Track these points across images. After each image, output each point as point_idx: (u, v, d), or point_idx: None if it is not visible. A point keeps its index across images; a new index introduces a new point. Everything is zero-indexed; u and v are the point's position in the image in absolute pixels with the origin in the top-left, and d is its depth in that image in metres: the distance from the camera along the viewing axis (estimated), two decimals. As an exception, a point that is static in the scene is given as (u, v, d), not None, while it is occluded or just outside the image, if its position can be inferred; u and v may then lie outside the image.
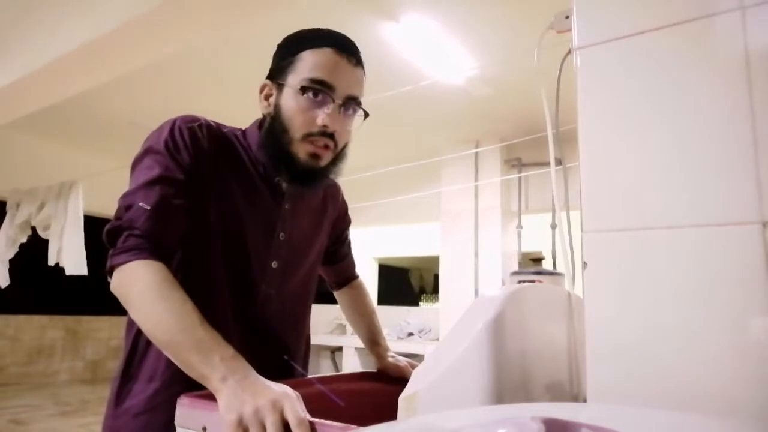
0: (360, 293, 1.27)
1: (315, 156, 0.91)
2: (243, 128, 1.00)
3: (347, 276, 1.26)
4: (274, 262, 0.97)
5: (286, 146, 0.91)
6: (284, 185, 0.98)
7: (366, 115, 0.97)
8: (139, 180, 0.86)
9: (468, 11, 2.82)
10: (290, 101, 0.90)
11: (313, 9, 2.66)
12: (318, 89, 0.88)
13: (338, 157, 0.95)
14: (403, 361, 1.13)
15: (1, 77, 2.95)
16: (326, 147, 0.91)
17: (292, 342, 1.01)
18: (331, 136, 0.90)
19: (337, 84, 0.89)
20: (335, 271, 1.24)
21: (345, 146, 0.96)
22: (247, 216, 0.93)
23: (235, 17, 2.37)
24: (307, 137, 0.90)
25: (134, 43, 2.51)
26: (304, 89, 0.88)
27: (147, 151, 0.88)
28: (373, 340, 1.20)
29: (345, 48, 0.92)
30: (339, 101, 0.90)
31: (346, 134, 0.94)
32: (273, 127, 0.92)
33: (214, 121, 0.96)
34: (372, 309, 1.26)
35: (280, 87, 0.92)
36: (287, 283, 0.99)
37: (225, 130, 0.97)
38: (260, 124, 0.99)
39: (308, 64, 0.89)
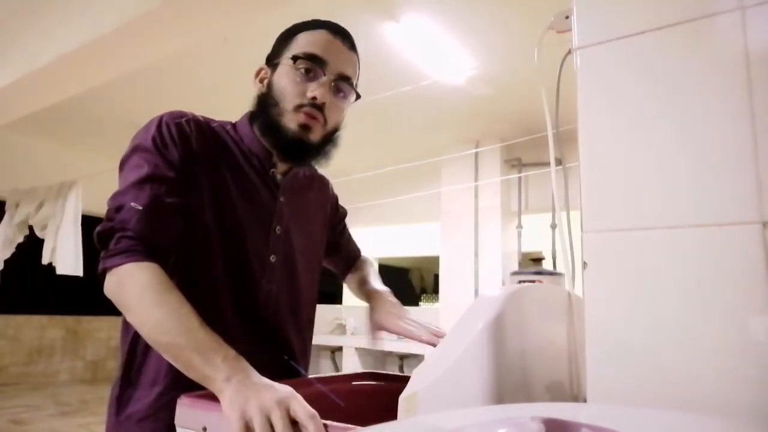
0: (360, 265, 1.25)
1: (305, 127, 0.91)
2: (233, 122, 1.00)
3: (351, 260, 1.26)
4: (273, 256, 0.95)
5: (276, 117, 0.91)
6: (278, 177, 0.98)
7: (358, 96, 0.97)
8: (128, 179, 0.84)
9: (468, 11, 2.82)
10: (283, 76, 0.92)
11: (313, 9, 2.66)
12: (310, 63, 0.90)
13: (330, 139, 0.95)
14: (403, 317, 1.02)
15: (1, 77, 2.95)
16: (316, 119, 0.91)
17: (294, 340, 1.00)
18: (320, 109, 0.90)
19: (329, 60, 0.91)
20: (339, 260, 1.24)
21: (337, 131, 0.97)
22: (242, 210, 0.93)
23: (235, 17, 2.37)
24: (298, 108, 0.90)
25: (134, 43, 2.51)
26: (295, 58, 0.90)
27: (135, 149, 0.87)
28: (366, 291, 1.15)
29: (339, 31, 0.94)
30: (331, 76, 0.91)
31: (337, 112, 0.94)
32: (265, 101, 0.94)
33: (202, 116, 0.96)
34: (368, 266, 1.23)
35: (274, 66, 0.94)
36: (288, 279, 0.98)
37: (214, 124, 0.96)
38: (251, 115, 0.99)
39: (302, 42, 0.92)
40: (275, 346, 0.96)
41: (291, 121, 0.90)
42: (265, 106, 0.93)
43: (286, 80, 0.91)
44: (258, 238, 0.94)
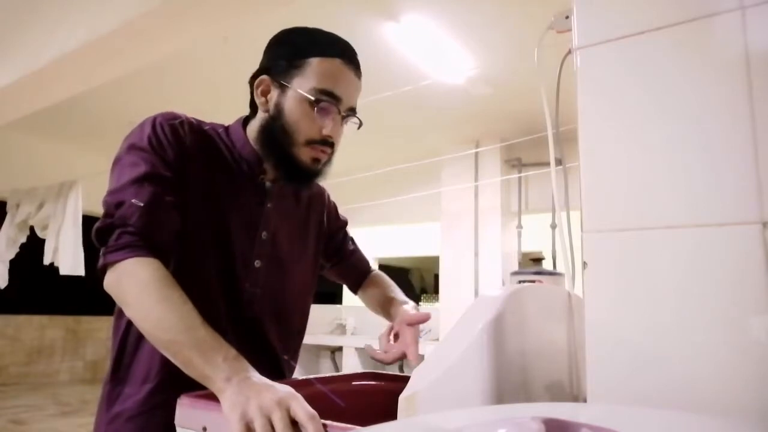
0: (376, 280, 1.20)
1: (316, 160, 0.93)
2: (225, 125, 1.00)
3: (362, 273, 1.22)
4: (257, 261, 0.96)
5: (287, 148, 0.92)
6: (267, 184, 0.98)
7: (360, 124, 0.98)
8: (124, 177, 0.84)
9: (468, 11, 2.82)
10: (295, 106, 0.90)
11: (313, 9, 2.66)
12: (326, 100, 0.90)
13: (328, 161, 0.97)
14: (413, 310, 1.02)
15: (1, 77, 2.95)
16: (324, 152, 0.94)
17: (278, 344, 1.00)
18: (332, 144, 0.93)
19: (343, 96, 0.92)
20: (348, 272, 1.21)
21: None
22: (231, 214, 0.93)
23: (235, 17, 2.37)
24: (310, 143, 0.91)
25: (134, 43, 2.51)
26: (318, 100, 0.89)
27: (130, 148, 0.87)
28: (387, 300, 1.10)
29: (352, 60, 0.94)
30: (343, 113, 0.93)
31: (340, 139, 0.97)
32: (273, 127, 0.92)
33: (194, 118, 0.96)
34: (387, 281, 1.18)
35: (282, 87, 0.92)
36: (274, 283, 0.98)
37: (206, 127, 0.96)
38: (244, 120, 0.99)
39: (317, 72, 0.90)
40: (260, 347, 0.96)
41: (303, 154, 0.92)
42: (274, 131, 0.92)
43: (299, 113, 0.90)
44: (244, 242, 0.94)
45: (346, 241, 1.21)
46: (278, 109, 0.92)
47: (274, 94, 0.93)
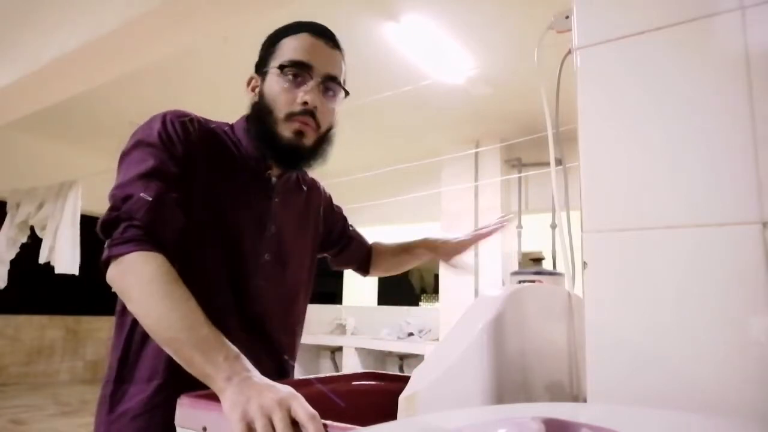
0: (381, 246, 1.31)
1: (299, 133, 0.93)
2: (231, 123, 1.01)
3: (365, 251, 1.28)
4: (267, 254, 0.97)
5: (271, 126, 0.93)
6: (274, 179, 1.00)
7: (346, 93, 0.99)
8: (132, 172, 0.84)
9: (468, 11, 2.82)
10: (272, 84, 0.93)
11: (313, 9, 2.66)
12: (296, 69, 0.92)
13: (324, 139, 0.97)
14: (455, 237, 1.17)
15: (1, 77, 2.95)
16: (308, 125, 0.93)
17: (282, 337, 1.01)
18: (312, 114, 0.92)
19: (314, 63, 0.93)
20: (352, 255, 1.25)
21: (330, 129, 0.98)
22: (239, 210, 0.94)
23: (235, 17, 2.37)
24: (291, 116, 0.92)
25: (134, 43, 2.51)
26: (282, 67, 0.92)
27: (138, 144, 0.87)
28: (412, 243, 1.28)
29: (321, 33, 0.96)
30: (318, 79, 0.93)
31: (328, 114, 0.96)
32: (258, 110, 0.95)
33: (202, 117, 0.97)
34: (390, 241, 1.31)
35: (263, 75, 0.96)
36: (280, 277, 1.00)
37: (213, 125, 0.98)
38: (247, 117, 1.00)
39: (286, 49, 0.94)
40: (269, 342, 0.97)
41: (285, 130, 0.92)
42: (259, 114, 0.94)
43: (275, 89, 0.92)
44: (253, 237, 0.96)
45: (346, 228, 1.25)
46: (260, 94, 0.95)
47: (258, 83, 0.97)
